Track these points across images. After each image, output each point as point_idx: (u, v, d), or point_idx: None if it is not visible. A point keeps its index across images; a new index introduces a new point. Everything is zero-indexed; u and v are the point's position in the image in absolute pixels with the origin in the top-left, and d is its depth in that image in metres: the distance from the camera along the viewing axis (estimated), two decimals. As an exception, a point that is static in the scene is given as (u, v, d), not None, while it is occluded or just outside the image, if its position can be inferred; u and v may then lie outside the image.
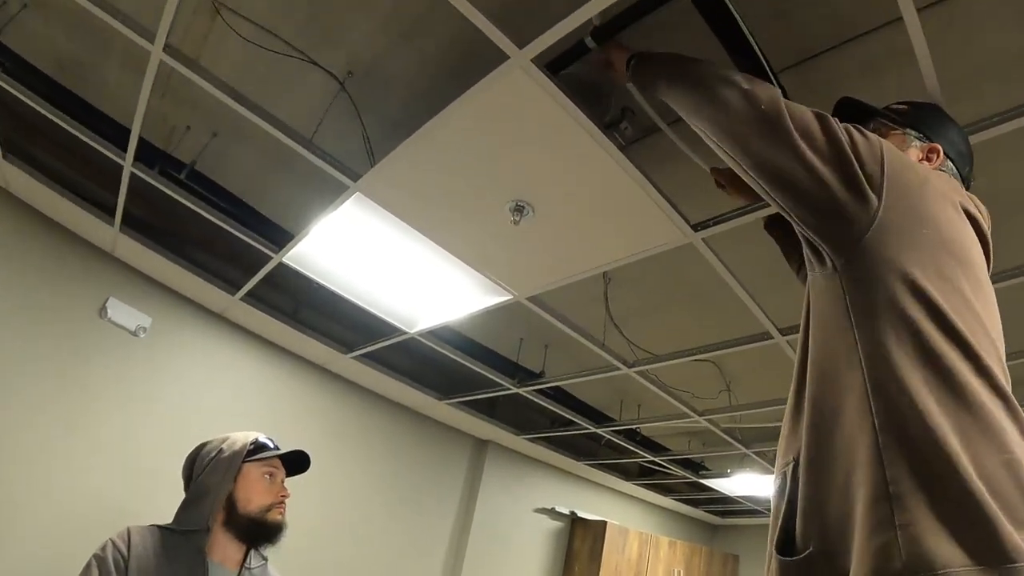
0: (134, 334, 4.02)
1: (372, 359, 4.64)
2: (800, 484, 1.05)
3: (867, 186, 1.11)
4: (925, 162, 1.40)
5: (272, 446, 2.31)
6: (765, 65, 1.86)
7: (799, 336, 1.25)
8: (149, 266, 4.03)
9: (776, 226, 2.01)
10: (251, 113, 2.44)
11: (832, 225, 1.13)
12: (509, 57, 1.83)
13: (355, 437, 5.10)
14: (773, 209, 1.85)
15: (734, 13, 1.75)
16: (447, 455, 5.84)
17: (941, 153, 1.40)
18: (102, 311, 3.91)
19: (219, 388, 4.36)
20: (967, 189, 1.40)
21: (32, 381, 3.55)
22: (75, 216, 3.69)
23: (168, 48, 2.38)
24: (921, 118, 1.47)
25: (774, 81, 1.94)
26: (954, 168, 1.42)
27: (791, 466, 1.09)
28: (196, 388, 4.24)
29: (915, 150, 1.42)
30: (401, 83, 2.67)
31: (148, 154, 3.16)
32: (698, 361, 3.78)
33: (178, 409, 4.12)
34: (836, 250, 1.12)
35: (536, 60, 1.83)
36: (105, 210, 3.64)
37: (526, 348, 4.31)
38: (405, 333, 3.84)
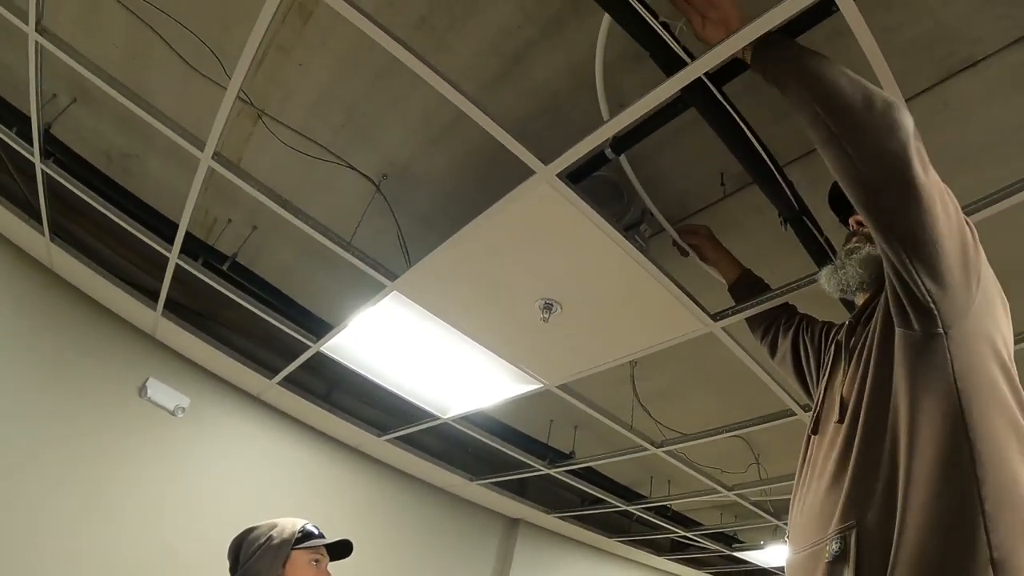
0: (172, 414, 4.13)
1: (404, 441, 4.72)
2: (869, 550, 1.03)
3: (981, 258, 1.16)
4: None
5: (318, 533, 2.40)
6: (768, 162, 2.00)
7: (851, 397, 1.23)
8: (189, 348, 4.18)
9: (741, 294, 2.21)
10: (293, 216, 2.61)
11: (952, 292, 1.11)
12: (535, 172, 1.97)
13: (387, 517, 5.14)
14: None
15: (739, 121, 1.89)
16: (478, 534, 5.84)
17: None
18: (142, 390, 4.04)
19: (254, 468, 4.45)
20: None
21: (70, 456, 3.64)
22: (118, 298, 3.84)
23: (216, 156, 2.57)
24: None
25: (780, 177, 2.08)
26: None
27: (853, 532, 1.06)
28: (232, 468, 4.33)
29: None
30: (433, 183, 2.84)
31: (192, 245, 3.34)
32: (726, 437, 3.83)
33: (214, 488, 4.20)
34: (947, 316, 1.11)
35: (560, 174, 1.98)
36: (147, 293, 3.80)
37: (556, 429, 4.38)
38: (438, 418, 3.94)
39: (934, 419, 1.05)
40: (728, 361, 2.89)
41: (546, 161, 1.93)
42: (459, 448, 5.02)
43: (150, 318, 3.94)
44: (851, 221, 1.60)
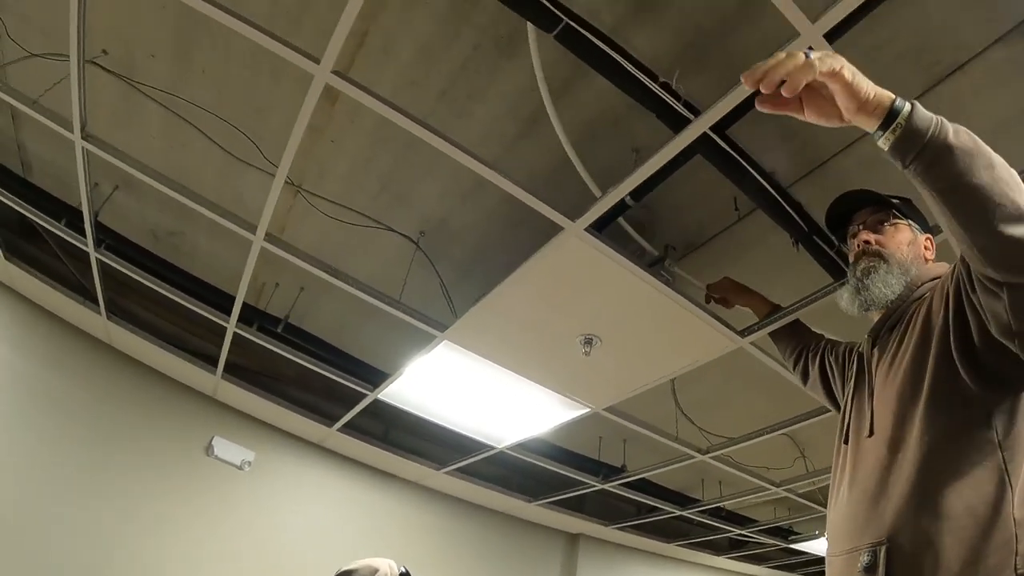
0: (239, 468, 4.37)
1: (463, 472, 4.91)
2: (900, 569, 1.10)
3: None
4: (926, 252, 1.56)
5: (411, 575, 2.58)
6: (774, 192, 2.19)
7: (882, 414, 1.31)
8: (249, 405, 4.42)
9: (780, 339, 2.27)
10: (343, 283, 2.84)
11: None
12: (563, 228, 2.18)
13: (452, 546, 5.32)
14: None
15: (743, 161, 2.09)
16: (540, 553, 6.00)
17: (933, 242, 1.59)
18: (208, 449, 4.28)
19: (321, 512, 4.66)
20: None
21: (148, 517, 3.86)
22: (177, 365, 4.08)
23: (267, 236, 2.81)
24: (914, 209, 1.63)
25: (787, 203, 2.27)
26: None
27: (883, 548, 1.13)
28: (299, 513, 4.54)
29: (921, 239, 1.58)
30: (468, 235, 3.05)
31: (245, 312, 3.55)
32: (770, 437, 3.96)
33: (285, 534, 4.40)
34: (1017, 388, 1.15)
35: (588, 228, 2.19)
36: (204, 357, 4.03)
37: (606, 444, 4.55)
38: (494, 448, 4.14)
39: (975, 465, 1.10)
40: (760, 365, 3.04)
41: (572, 217, 2.14)
42: (516, 472, 5.19)
43: (210, 381, 4.19)
44: (854, 242, 1.66)
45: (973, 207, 0.97)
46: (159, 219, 3.41)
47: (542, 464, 4.43)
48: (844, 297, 1.59)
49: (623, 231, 2.62)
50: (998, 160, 0.97)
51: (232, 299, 3.53)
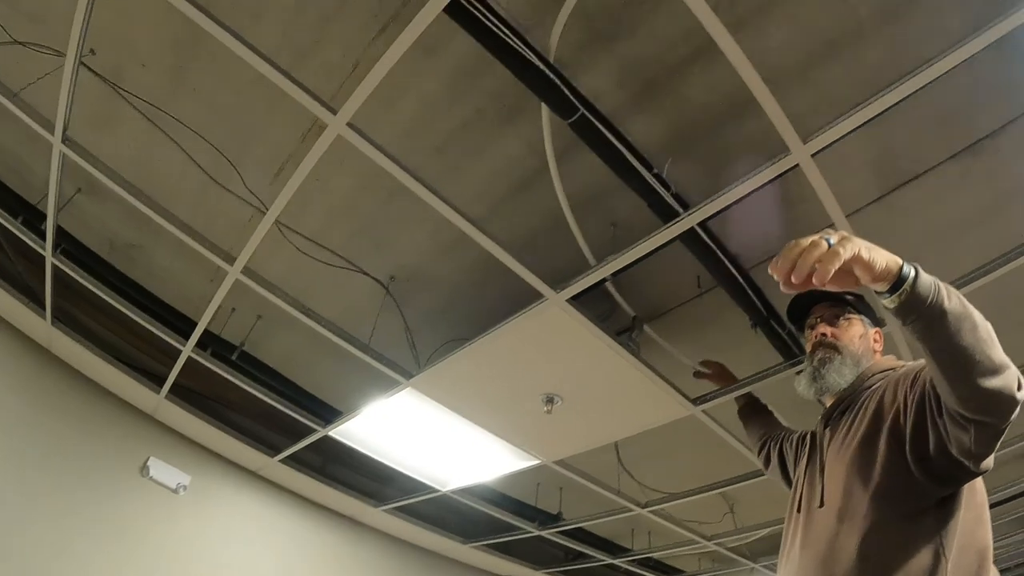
0: (175, 491, 4.25)
1: (401, 510, 4.90)
2: None
3: None
4: (875, 344, 1.72)
5: None
6: (738, 276, 2.34)
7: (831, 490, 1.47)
8: (189, 428, 4.32)
9: (747, 415, 2.42)
10: (315, 323, 2.86)
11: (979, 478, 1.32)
12: (544, 296, 2.29)
13: (382, 582, 5.30)
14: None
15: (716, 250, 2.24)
16: (471, 594, 6.02)
17: (882, 335, 1.75)
18: (143, 469, 4.15)
19: (255, 542, 4.57)
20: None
21: (74, 534, 3.71)
22: (119, 380, 3.96)
23: (244, 270, 2.81)
24: (866, 305, 1.79)
25: (748, 286, 2.43)
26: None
27: None
28: (234, 542, 4.45)
29: (871, 333, 1.74)
30: (440, 286, 3.10)
31: (201, 336, 3.46)
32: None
33: (216, 562, 4.30)
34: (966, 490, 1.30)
35: (569, 299, 2.30)
36: (146, 374, 3.92)
37: (543, 491, 4.63)
38: (437, 491, 4.17)
39: (914, 539, 1.26)
40: (703, 426, 3.17)
41: (554, 286, 2.25)
42: (452, 512, 5.20)
43: (152, 400, 4.08)
44: (812, 333, 1.79)
45: (958, 365, 1.11)
46: (120, 229, 3.32)
47: (480, 508, 4.47)
48: (801, 383, 1.73)
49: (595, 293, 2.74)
50: (980, 320, 1.12)
51: (186, 319, 3.50)
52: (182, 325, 3.48)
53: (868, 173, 2.35)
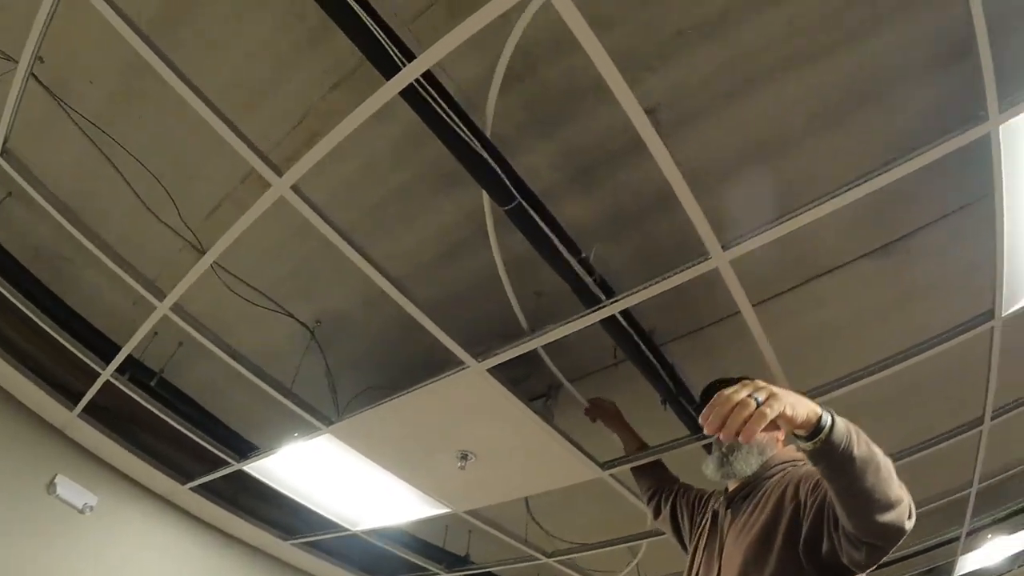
0: (81, 511, 4.11)
1: (309, 545, 4.86)
2: None
3: None
4: (778, 433, 1.83)
5: None
6: (651, 356, 2.49)
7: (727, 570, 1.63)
8: (99, 447, 4.22)
9: (641, 476, 2.60)
10: (240, 365, 2.89)
11: None
12: (468, 366, 2.39)
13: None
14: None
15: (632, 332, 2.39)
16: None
17: None
18: (50, 487, 4.01)
19: (160, 569, 4.47)
20: None
21: None
22: (30, 392, 3.83)
23: (175, 307, 2.82)
24: None
25: (659, 364, 2.59)
26: None
27: None
28: (138, 567, 4.34)
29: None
30: (365, 333, 3.17)
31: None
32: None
33: None
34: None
35: (491, 369, 2.40)
36: (58, 387, 3.80)
37: (451, 533, 4.68)
38: (348, 530, 4.18)
39: None
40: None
41: (478, 357, 2.35)
42: (359, 550, 5.19)
43: (63, 415, 3.98)
44: None
45: (859, 502, 1.26)
46: (50, 238, 3.22)
47: (389, 548, 4.50)
48: (709, 467, 1.87)
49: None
50: (882, 460, 1.26)
51: (107, 340, 3.45)
52: (102, 344, 3.43)
53: (786, 265, 2.54)
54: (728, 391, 1.18)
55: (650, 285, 2.09)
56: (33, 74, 2.23)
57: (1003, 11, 1.73)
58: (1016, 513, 4.93)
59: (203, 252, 2.85)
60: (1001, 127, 1.75)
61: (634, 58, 2.10)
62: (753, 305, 2.37)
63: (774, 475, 1.73)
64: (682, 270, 2.06)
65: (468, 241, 2.62)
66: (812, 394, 2.53)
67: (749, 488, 1.76)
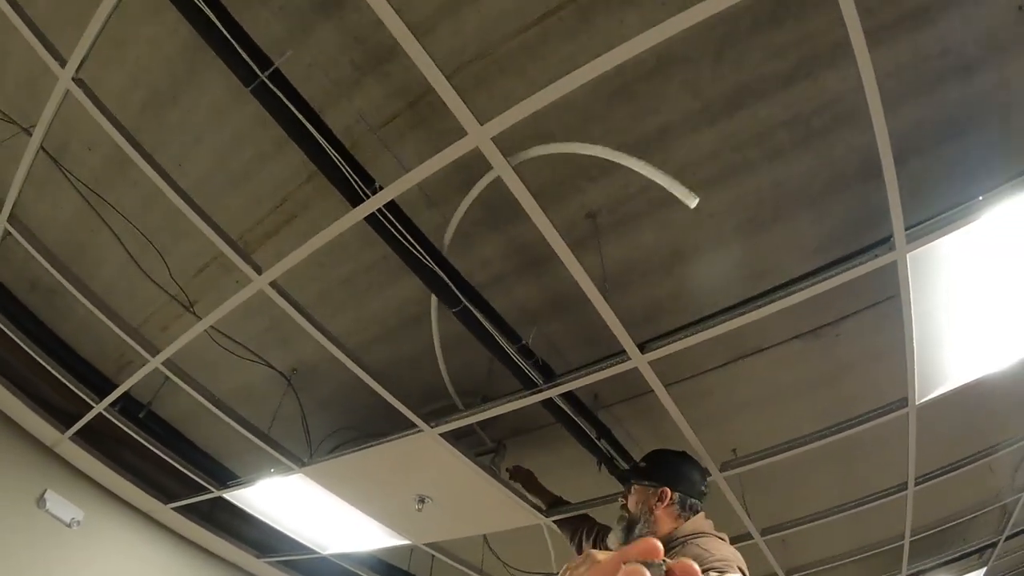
0: (69, 526, 4.34)
1: (282, 564, 5.14)
2: None
3: None
4: (654, 501, 2.02)
5: None
6: (582, 425, 2.82)
7: None
8: (86, 465, 4.45)
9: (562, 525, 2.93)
10: (223, 413, 3.19)
11: None
12: (421, 429, 2.72)
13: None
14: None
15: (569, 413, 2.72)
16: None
17: (669, 492, 2.02)
18: (40, 501, 4.23)
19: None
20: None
21: None
22: (25, 415, 4.05)
23: (167, 363, 3.10)
24: (651, 470, 2.14)
25: (592, 432, 2.91)
26: (686, 497, 2.01)
27: None
28: None
29: (651, 494, 2.04)
30: (335, 381, 3.44)
31: (107, 387, 3.69)
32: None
33: None
34: None
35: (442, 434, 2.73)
36: (51, 409, 4.02)
37: (416, 556, 4.96)
38: (318, 553, 4.49)
39: None
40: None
41: (431, 424, 2.68)
42: (328, 570, 5.46)
43: (53, 435, 4.21)
44: (621, 498, 2.23)
45: None
46: (45, 275, 3.24)
47: (356, 571, 4.81)
48: (612, 535, 2.18)
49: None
50: None
51: (99, 374, 3.71)
52: (93, 377, 3.74)
53: (717, 346, 2.82)
54: None
55: (579, 376, 2.41)
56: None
57: (913, 135, 2.06)
58: (957, 559, 5.38)
59: (192, 310, 3.16)
60: (908, 256, 2.02)
61: (579, 169, 2.42)
62: (688, 378, 2.70)
63: (675, 547, 1.85)
64: (606, 366, 2.37)
65: (427, 313, 2.89)
66: (747, 460, 2.89)
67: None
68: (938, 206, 2.00)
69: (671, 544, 1.87)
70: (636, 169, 2.12)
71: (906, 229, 1.97)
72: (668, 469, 2.14)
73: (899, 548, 4.61)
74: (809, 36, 2.07)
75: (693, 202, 2.12)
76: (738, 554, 1.74)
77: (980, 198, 1.92)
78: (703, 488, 2.11)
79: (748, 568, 1.65)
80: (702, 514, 2.02)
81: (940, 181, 2.30)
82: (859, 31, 1.47)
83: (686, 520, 1.99)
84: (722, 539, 1.86)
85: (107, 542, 4.59)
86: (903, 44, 2.07)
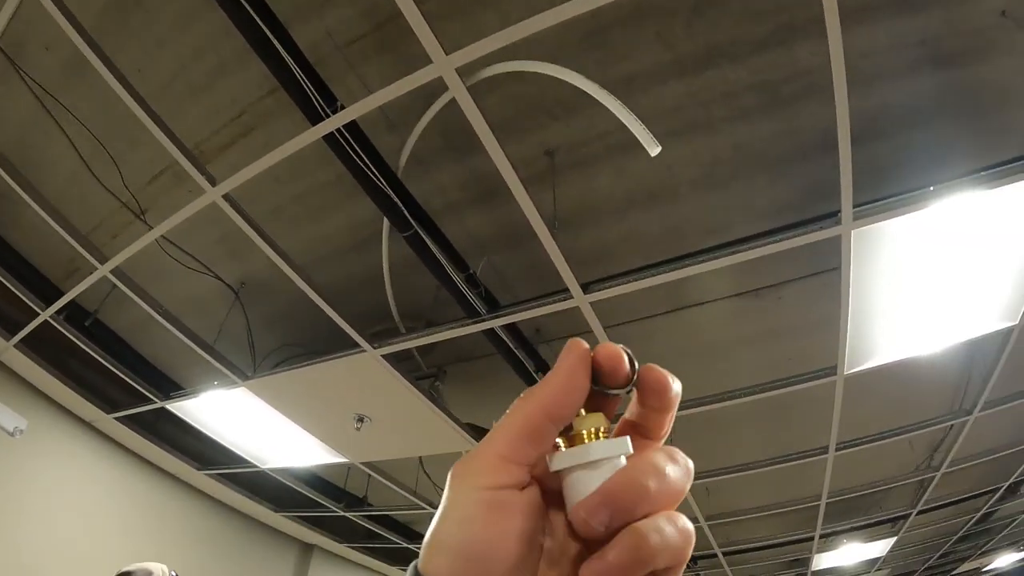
0: (11, 434, 4.24)
1: (220, 475, 5.24)
2: None
3: None
4: None
5: None
6: (522, 358, 2.95)
7: None
8: (30, 373, 4.46)
9: None
10: (171, 325, 3.24)
11: None
12: (364, 350, 2.82)
13: (203, 543, 5.58)
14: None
15: (509, 344, 2.84)
16: (279, 558, 6.39)
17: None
18: None
19: (86, 491, 4.75)
20: None
21: None
22: None
23: (115, 272, 3.12)
24: None
25: (527, 363, 3.05)
26: None
27: None
28: (66, 489, 4.60)
29: None
30: (282, 297, 3.45)
31: (54, 295, 3.67)
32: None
33: (49, 507, 4.45)
34: None
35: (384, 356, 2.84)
36: None
37: (353, 473, 5.09)
38: (257, 467, 4.61)
39: None
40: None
41: (373, 344, 2.78)
42: (268, 483, 5.53)
43: None
44: None
45: None
46: None
47: (293, 485, 4.95)
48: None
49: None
50: None
51: (47, 281, 3.70)
52: (40, 284, 3.69)
53: (660, 295, 2.96)
54: None
55: (521, 310, 2.51)
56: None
57: (879, 117, 2.12)
58: (869, 526, 5.76)
59: (143, 218, 3.16)
60: (853, 232, 2.12)
61: (543, 106, 2.48)
62: (629, 322, 2.83)
63: None
64: (549, 303, 2.48)
65: (379, 236, 2.95)
66: (680, 407, 3.06)
67: None
68: (891, 189, 2.10)
69: None
70: (604, 103, 2.16)
71: (855, 206, 2.07)
72: None
73: (815, 508, 4.91)
74: (788, 6, 2.12)
75: (655, 150, 2.19)
76: None
77: (931, 188, 2.04)
78: None
79: None
80: None
81: (899, 166, 2.40)
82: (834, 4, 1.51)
83: None
84: None
85: (50, 451, 4.60)
86: (882, 27, 2.14)
